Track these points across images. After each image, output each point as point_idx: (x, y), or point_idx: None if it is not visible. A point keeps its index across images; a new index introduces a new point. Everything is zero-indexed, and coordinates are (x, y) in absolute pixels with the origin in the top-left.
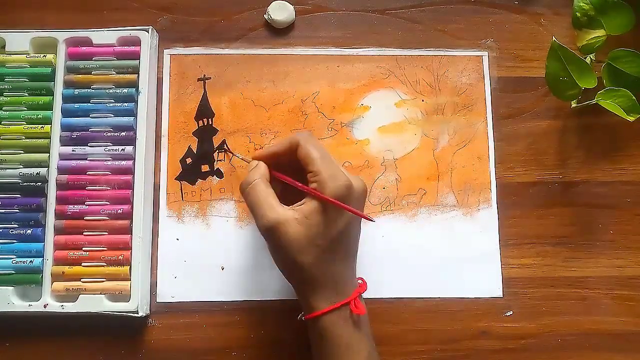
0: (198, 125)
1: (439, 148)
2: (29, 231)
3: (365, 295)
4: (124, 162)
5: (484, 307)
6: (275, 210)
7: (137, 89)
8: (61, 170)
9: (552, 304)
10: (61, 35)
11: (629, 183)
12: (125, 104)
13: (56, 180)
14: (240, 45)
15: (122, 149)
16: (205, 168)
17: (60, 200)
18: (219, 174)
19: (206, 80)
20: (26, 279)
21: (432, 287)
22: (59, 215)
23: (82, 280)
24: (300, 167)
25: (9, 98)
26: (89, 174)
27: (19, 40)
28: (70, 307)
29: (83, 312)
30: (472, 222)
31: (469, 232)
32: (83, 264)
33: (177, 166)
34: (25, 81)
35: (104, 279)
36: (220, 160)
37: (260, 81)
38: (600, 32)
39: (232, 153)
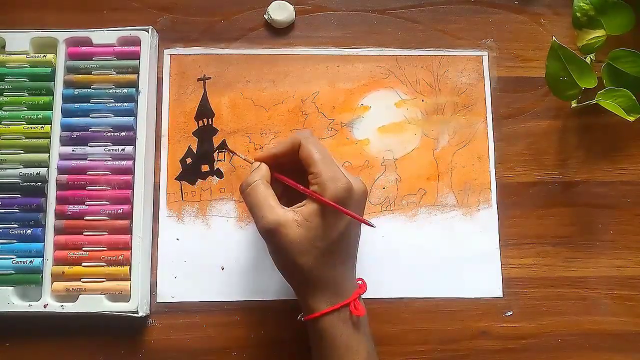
0: (198, 125)
1: (439, 148)
2: (29, 231)
3: (365, 295)
4: (124, 162)
5: (484, 307)
6: (275, 211)
7: (137, 89)
8: (61, 170)
9: (552, 304)
10: (61, 35)
11: (629, 183)
12: (125, 104)
13: (56, 180)
14: (240, 45)
15: (122, 149)
16: (205, 168)
17: (60, 200)
18: (219, 174)
19: (206, 80)
20: (26, 279)
21: (432, 287)
22: (59, 215)
23: (82, 280)
24: (302, 167)
25: (9, 98)
26: (89, 174)
27: (19, 40)
28: (70, 307)
29: (83, 312)
30: (472, 222)
31: (469, 232)
32: (83, 264)
33: (177, 166)
34: (25, 81)
35: (104, 279)
36: (220, 160)
37: (260, 81)
38: (600, 32)
39: (235, 153)
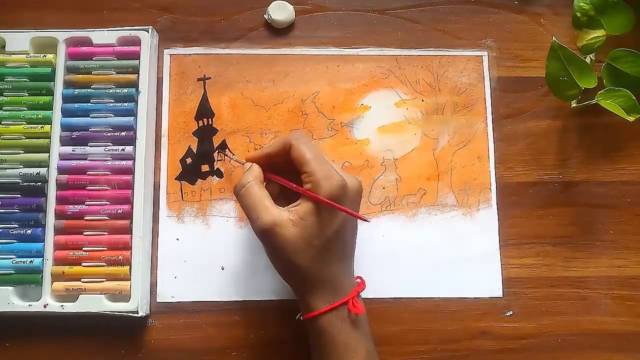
0: (198, 125)
1: (439, 148)
2: (29, 231)
3: (365, 295)
4: (124, 162)
5: (484, 307)
6: (270, 212)
7: (137, 89)
8: (61, 170)
9: (552, 304)
10: (61, 35)
11: (629, 183)
12: (125, 104)
13: (56, 180)
14: (240, 45)
15: (122, 149)
16: (205, 168)
17: (60, 200)
18: (219, 174)
19: (206, 80)
20: (26, 279)
21: (432, 287)
22: (59, 215)
23: (82, 280)
24: (295, 168)
25: (9, 98)
26: (89, 174)
27: (19, 40)
28: (70, 307)
29: (83, 312)
30: (472, 222)
31: (469, 232)
32: (83, 264)
33: (177, 166)
34: (25, 81)
35: (104, 279)
36: (220, 160)
37: (260, 81)
38: (600, 32)
39: (226, 155)
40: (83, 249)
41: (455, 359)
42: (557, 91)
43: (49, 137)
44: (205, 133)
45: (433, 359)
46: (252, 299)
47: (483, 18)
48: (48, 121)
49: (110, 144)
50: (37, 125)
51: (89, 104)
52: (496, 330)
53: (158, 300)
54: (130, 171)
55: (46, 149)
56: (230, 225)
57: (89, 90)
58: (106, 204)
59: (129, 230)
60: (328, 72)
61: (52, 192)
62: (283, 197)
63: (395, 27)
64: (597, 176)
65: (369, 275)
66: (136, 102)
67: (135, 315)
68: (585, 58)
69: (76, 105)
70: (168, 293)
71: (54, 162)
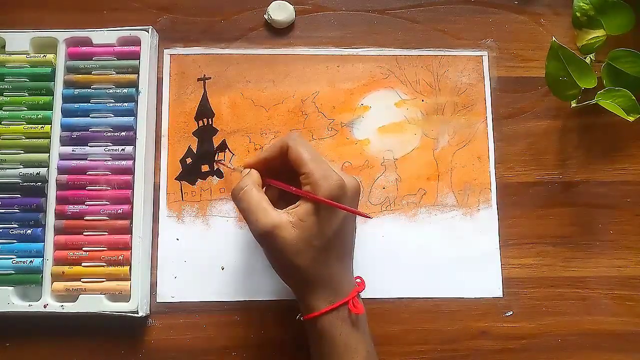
0: (198, 125)
1: (438, 148)
2: (29, 231)
3: (365, 295)
4: (124, 162)
5: (484, 307)
6: (269, 214)
7: (137, 89)
8: (61, 170)
9: (552, 304)
10: (61, 35)
11: (629, 183)
12: (125, 104)
13: (56, 180)
14: (240, 45)
15: (122, 149)
16: (205, 168)
17: (60, 200)
18: (219, 174)
19: (206, 80)
20: (26, 279)
21: (432, 287)
22: (59, 215)
23: (82, 280)
24: (292, 170)
25: (9, 98)
26: (89, 174)
27: (19, 40)
28: (70, 307)
29: (83, 312)
30: (472, 222)
31: (469, 232)
32: (83, 264)
33: (177, 166)
34: (25, 81)
35: (104, 279)
36: (219, 161)
37: (260, 81)
38: (600, 32)
39: (223, 164)
40: (83, 249)
41: (455, 359)
42: (557, 91)
43: (49, 137)
44: (205, 133)
45: (433, 359)
46: (252, 299)
47: (483, 18)
48: (48, 121)
49: (110, 144)
50: (37, 125)
51: (89, 104)
52: (496, 330)
53: (158, 300)
54: (130, 171)
55: (46, 149)
56: (230, 225)
57: (89, 90)
58: (106, 204)
59: (129, 231)
60: (328, 72)
61: (52, 192)
62: (283, 201)
63: (395, 27)
64: (597, 176)
65: (369, 275)
66: (136, 102)
67: (135, 315)
68: (585, 58)
69: (76, 105)
70: (168, 293)
71: (54, 162)
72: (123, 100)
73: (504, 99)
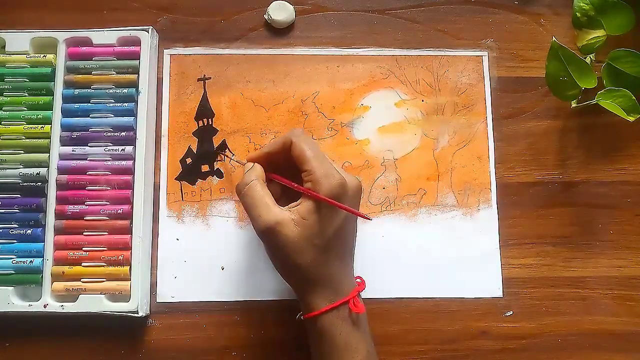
0: (198, 125)
1: (439, 148)
2: (29, 231)
3: (365, 295)
4: (124, 162)
5: (484, 307)
6: (272, 211)
7: (137, 89)
8: (61, 170)
9: (552, 304)
10: (61, 35)
11: (629, 183)
12: (125, 104)
13: (56, 180)
14: (240, 45)
15: (122, 149)
16: (205, 168)
17: (60, 200)
18: (219, 174)
19: (206, 80)
20: (26, 279)
21: (432, 287)
22: (59, 215)
23: (82, 280)
24: (295, 166)
25: (9, 98)
26: (89, 174)
27: (19, 40)
28: (70, 307)
29: (83, 312)
30: (472, 222)
31: (469, 232)
32: (83, 264)
33: (177, 166)
34: (25, 81)
35: (104, 279)
36: (219, 161)
37: (260, 81)
38: (600, 32)
39: (227, 156)
40: (83, 249)
41: (455, 359)
42: (557, 91)
43: (49, 137)
44: (205, 133)
45: (433, 359)
46: (252, 299)
47: (483, 18)
48: (48, 121)
49: (110, 144)
50: (37, 125)
51: (89, 104)
52: (496, 330)
53: (158, 300)
54: (130, 171)
55: (46, 149)
56: (230, 225)
57: (89, 90)
58: (106, 204)
59: (129, 231)
60: (328, 72)
61: (52, 192)
62: (285, 198)
63: (395, 27)
64: (597, 176)
65: (369, 275)
66: (136, 102)
67: (135, 315)
68: (585, 58)
69: (76, 105)
70: (168, 293)
71: (54, 162)
72: (123, 100)
73: (504, 99)
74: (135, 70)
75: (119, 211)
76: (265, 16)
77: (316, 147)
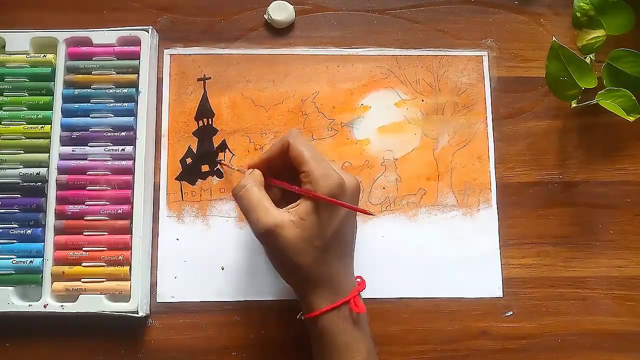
0: (198, 125)
1: (439, 148)
2: (29, 231)
3: (365, 295)
4: (124, 162)
5: (484, 307)
6: (271, 213)
7: (137, 89)
8: (61, 170)
9: (552, 304)
10: (61, 35)
11: (629, 183)
12: (125, 104)
13: (56, 180)
14: (240, 45)
15: (122, 149)
16: (205, 168)
17: (60, 200)
18: (219, 174)
19: (206, 80)
20: (26, 279)
21: (432, 287)
22: (59, 215)
23: (82, 280)
24: (295, 170)
25: (9, 98)
26: (89, 174)
27: (19, 40)
28: (70, 307)
29: (83, 312)
30: (472, 222)
31: (469, 232)
32: (83, 264)
33: (177, 166)
34: (25, 81)
35: (104, 279)
36: (220, 161)
37: (260, 81)
38: (600, 32)
39: (227, 166)
40: (83, 249)
41: (455, 359)
42: (557, 91)
43: (49, 137)
44: (205, 133)
45: (433, 359)
46: (252, 299)
47: (483, 18)
48: (48, 121)
49: (110, 144)
50: (37, 125)
51: (89, 104)
52: (496, 330)
53: (158, 300)
54: (130, 171)
55: (46, 149)
56: (230, 225)
57: (89, 90)
58: (106, 204)
59: (129, 231)
60: (328, 72)
61: (52, 192)
62: (285, 201)
63: (395, 27)
64: (597, 176)
65: (369, 275)
66: (136, 102)
67: (135, 315)
68: (585, 58)
69: (76, 105)
70: (168, 293)
71: (54, 162)
72: (123, 100)
73: (504, 99)
74: (135, 70)
75: (119, 211)
76: (265, 16)
77: (313, 148)
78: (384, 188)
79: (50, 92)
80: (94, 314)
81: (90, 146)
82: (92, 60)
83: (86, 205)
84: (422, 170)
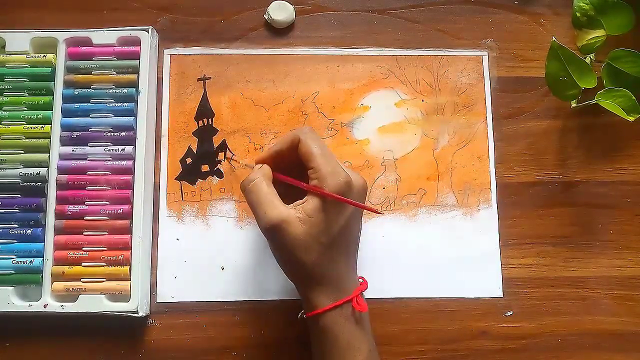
0: (198, 125)
1: (439, 148)
2: (29, 231)
3: (365, 295)
4: (124, 162)
5: (484, 307)
6: (278, 208)
7: (137, 89)
8: (61, 170)
9: (552, 304)
10: (61, 35)
11: (629, 183)
12: (125, 104)
13: (56, 180)
14: (240, 45)
15: (122, 149)
16: (205, 168)
17: (60, 200)
18: (219, 174)
19: (206, 80)
20: (26, 279)
21: (432, 287)
22: (59, 215)
23: (82, 280)
24: (302, 165)
25: (9, 98)
26: (89, 174)
27: (19, 40)
28: (70, 307)
29: (83, 312)
30: (472, 222)
31: (469, 232)
32: (83, 264)
33: (177, 166)
34: (25, 81)
35: (104, 279)
36: (220, 161)
37: (260, 81)
38: (600, 32)
39: (235, 160)
40: (83, 249)
41: (455, 359)
42: (557, 91)
43: (49, 137)
44: (205, 133)
45: (433, 359)
46: (252, 299)
47: (483, 18)
48: (48, 121)
49: (110, 144)
50: (37, 125)
51: (89, 104)
52: (496, 330)
53: (158, 300)
54: (130, 171)
55: (46, 149)
56: (230, 225)
57: (89, 90)
58: (106, 204)
59: (129, 230)
60: (328, 72)
61: (52, 192)
62: (290, 200)
63: (395, 27)
64: (597, 176)
65: (369, 275)
66: (136, 102)
67: (135, 315)
68: (585, 58)
69: (76, 105)
70: (168, 293)
71: (54, 162)
72: (123, 100)
73: (504, 99)
74: (135, 70)
75: (119, 211)
76: (265, 16)
77: (323, 145)
78: (384, 188)
79: (50, 92)
80: (94, 314)
81: (90, 146)
82: (92, 60)
83: (86, 205)
84: (422, 170)
